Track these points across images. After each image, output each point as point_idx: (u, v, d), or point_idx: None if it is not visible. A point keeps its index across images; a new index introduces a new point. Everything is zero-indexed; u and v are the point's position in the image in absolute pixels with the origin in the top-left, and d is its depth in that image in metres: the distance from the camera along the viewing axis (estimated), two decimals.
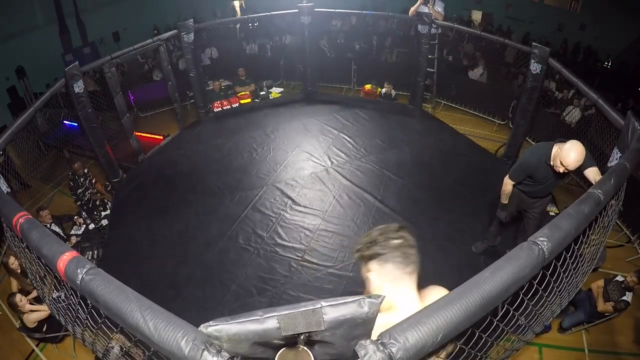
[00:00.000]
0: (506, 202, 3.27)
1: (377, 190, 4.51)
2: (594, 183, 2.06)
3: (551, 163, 2.76)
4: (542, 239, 1.24)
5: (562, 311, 2.30)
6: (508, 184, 3.12)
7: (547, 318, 1.86)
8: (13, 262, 3.90)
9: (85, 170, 5.28)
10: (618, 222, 4.84)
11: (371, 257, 1.24)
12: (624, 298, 3.71)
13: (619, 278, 3.85)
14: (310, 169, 4.93)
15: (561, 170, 2.65)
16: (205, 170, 5.07)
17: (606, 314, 3.81)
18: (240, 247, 3.90)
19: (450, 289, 1.08)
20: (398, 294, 1.24)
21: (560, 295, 1.75)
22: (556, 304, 1.82)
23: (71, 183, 5.20)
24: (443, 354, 1.33)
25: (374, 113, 6.21)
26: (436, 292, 1.35)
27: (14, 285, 3.97)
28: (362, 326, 0.85)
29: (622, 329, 3.97)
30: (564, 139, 2.71)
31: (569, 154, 2.56)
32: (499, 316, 1.42)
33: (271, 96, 7.41)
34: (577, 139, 2.65)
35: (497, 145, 6.26)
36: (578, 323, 3.93)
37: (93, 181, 5.34)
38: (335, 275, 3.56)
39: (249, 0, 13.40)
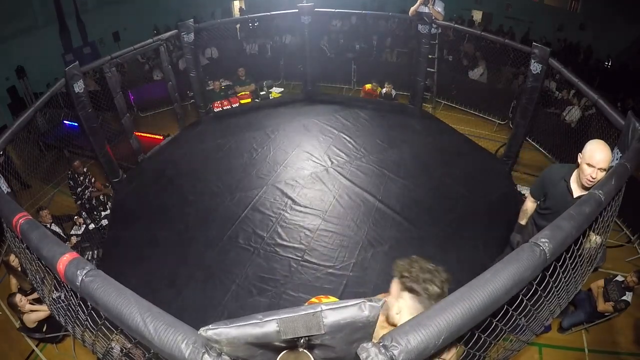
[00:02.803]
0: (524, 222, 3.01)
1: (377, 190, 4.50)
2: None
3: (572, 181, 2.53)
4: (543, 240, 1.24)
5: (562, 311, 2.29)
6: (528, 201, 2.94)
7: (547, 318, 1.86)
8: (14, 260, 3.89)
9: (85, 169, 5.28)
10: (618, 222, 4.83)
11: (411, 290, 1.30)
12: (624, 298, 3.71)
13: (619, 278, 3.86)
14: (310, 169, 4.92)
15: (593, 175, 2.33)
16: (205, 170, 5.06)
17: (606, 314, 3.81)
18: (240, 247, 3.89)
19: (450, 289, 1.08)
20: None
21: (559, 295, 1.75)
22: (555, 305, 1.82)
23: (71, 182, 5.19)
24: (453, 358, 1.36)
25: (374, 113, 6.20)
26: None
27: (13, 284, 3.96)
28: (362, 330, 0.85)
29: (622, 329, 3.97)
30: None
31: (593, 154, 2.31)
32: (498, 317, 1.42)
33: (271, 96, 7.39)
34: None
35: (497, 145, 6.25)
36: (578, 323, 3.93)
37: (93, 180, 5.33)
38: (335, 275, 3.56)
39: (249, 0, 13.40)
